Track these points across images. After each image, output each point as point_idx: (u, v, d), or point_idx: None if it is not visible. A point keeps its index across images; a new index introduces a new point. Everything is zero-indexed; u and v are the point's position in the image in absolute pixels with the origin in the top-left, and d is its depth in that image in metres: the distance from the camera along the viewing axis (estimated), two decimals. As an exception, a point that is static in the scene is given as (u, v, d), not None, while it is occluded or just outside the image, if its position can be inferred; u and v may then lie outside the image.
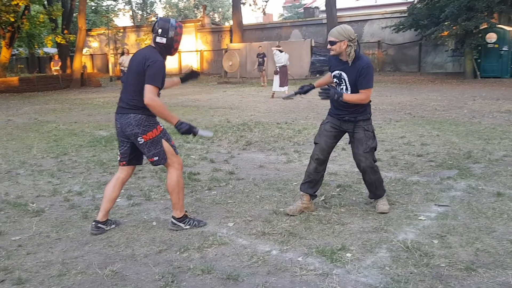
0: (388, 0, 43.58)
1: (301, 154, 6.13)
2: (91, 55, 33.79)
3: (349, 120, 3.84)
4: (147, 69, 3.36)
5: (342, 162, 5.66)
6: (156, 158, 3.53)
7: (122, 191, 4.68)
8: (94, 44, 34.42)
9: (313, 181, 3.94)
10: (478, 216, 3.69)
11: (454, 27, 17.93)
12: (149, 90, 3.34)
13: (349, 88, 3.79)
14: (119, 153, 3.67)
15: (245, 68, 24.11)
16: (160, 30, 3.45)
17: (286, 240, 3.33)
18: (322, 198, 4.23)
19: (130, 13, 52.63)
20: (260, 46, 20.52)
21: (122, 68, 17.33)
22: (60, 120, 10.47)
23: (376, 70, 23.27)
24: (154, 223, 3.80)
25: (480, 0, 17.32)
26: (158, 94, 3.43)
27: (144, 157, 3.70)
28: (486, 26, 18.21)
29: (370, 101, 3.89)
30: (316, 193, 4.00)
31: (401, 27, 20.35)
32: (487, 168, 5.16)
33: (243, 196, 4.41)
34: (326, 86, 3.81)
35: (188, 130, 3.45)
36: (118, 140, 3.68)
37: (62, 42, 24.48)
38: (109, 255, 3.23)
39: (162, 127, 3.56)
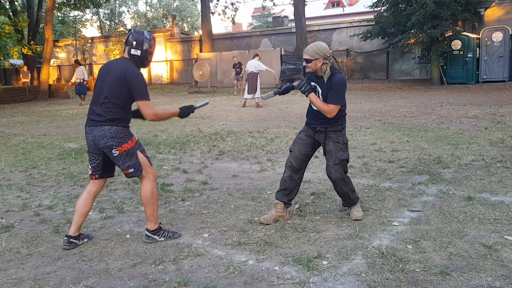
0: (356, 9, 44.56)
1: (274, 163, 6.14)
2: (59, 66, 33.13)
3: (319, 130, 3.88)
4: (131, 84, 3.34)
5: (315, 170, 5.70)
6: (131, 170, 3.47)
7: (94, 204, 4.59)
8: (62, 55, 33.79)
9: (287, 189, 3.94)
10: (450, 221, 3.77)
11: (420, 35, 18.44)
12: (146, 107, 3.40)
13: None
14: (90, 167, 3.58)
15: (216, 77, 24.12)
16: (134, 43, 3.44)
17: (262, 250, 3.31)
18: (297, 206, 4.23)
19: (98, 23, 51.94)
20: (235, 57, 20.61)
21: (78, 79, 17.08)
22: (28, 133, 10.19)
23: (346, 77, 23.67)
24: (128, 236, 3.72)
25: (445, 8, 17.89)
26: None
27: (117, 169, 3.63)
28: (451, 33, 18.81)
29: (345, 114, 3.94)
30: (291, 201, 4.00)
31: (368, 35, 20.78)
32: (457, 172, 5.28)
33: (217, 206, 4.38)
34: (305, 79, 3.86)
35: (190, 111, 3.73)
36: (89, 154, 3.59)
37: (28, 53, 23.92)
38: (82, 269, 3.14)
39: (136, 139, 3.53)
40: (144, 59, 3.50)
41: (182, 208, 4.40)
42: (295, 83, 4.07)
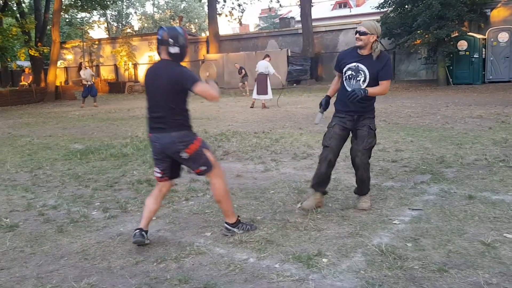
0: (363, 9, 44.46)
1: (278, 163, 6.17)
2: (66, 67, 33.39)
3: (357, 116, 4.01)
4: (183, 85, 3.36)
5: (318, 169, 5.72)
6: (203, 168, 3.53)
7: (98, 203, 4.68)
8: (69, 56, 34.04)
9: (323, 181, 4.13)
10: (450, 219, 3.78)
11: (426, 36, 18.39)
12: (201, 89, 3.36)
13: (367, 80, 3.94)
14: (159, 171, 3.60)
15: (223, 78, 24.19)
16: (171, 40, 3.40)
17: (263, 248, 3.35)
18: (299, 205, 4.27)
19: (105, 25, 52.28)
20: (236, 63, 20.86)
21: (84, 82, 17.22)
22: (34, 134, 10.30)
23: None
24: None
25: (451, 9, 17.83)
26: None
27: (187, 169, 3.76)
28: (457, 34, 18.74)
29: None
30: (327, 188, 4.22)
31: (375, 36, 20.73)
32: (459, 172, 5.29)
33: (220, 206, 4.42)
34: (350, 90, 3.91)
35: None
36: (154, 160, 3.62)
37: (35, 55, 24.13)
38: (85, 268, 3.19)
39: (200, 138, 3.59)
40: (183, 55, 3.48)
41: (185, 207, 4.45)
42: (329, 93, 4.26)
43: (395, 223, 3.74)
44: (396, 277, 2.82)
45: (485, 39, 19.08)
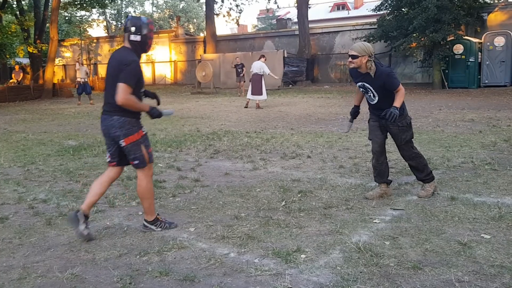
0: (361, 12, 44.61)
1: (267, 162, 6.25)
2: (64, 65, 33.41)
3: (383, 118, 4.25)
4: (121, 70, 3.43)
5: (306, 169, 5.80)
6: (136, 162, 3.61)
7: (86, 198, 4.74)
8: (67, 54, 34.08)
9: (380, 172, 4.49)
10: (430, 219, 3.86)
11: (422, 39, 18.46)
12: (121, 89, 3.39)
13: (376, 95, 4.32)
14: (108, 154, 3.72)
15: (219, 78, 24.27)
16: (133, 28, 3.53)
17: (244, 243, 3.43)
18: (283, 203, 4.35)
19: (104, 23, 52.31)
20: (237, 57, 20.66)
21: (79, 79, 17.21)
22: (29, 130, 10.36)
23: (348, 81, 23.74)
24: (116, 229, 3.85)
25: (447, 12, 17.92)
26: (139, 93, 3.59)
27: None
28: (453, 37, 18.82)
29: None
30: (388, 178, 4.54)
31: (371, 38, 20.81)
32: (445, 174, 5.37)
33: (206, 202, 4.50)
34: (383, 113, 4.16)
35: (158, 114, 3.70)
36: (105, 141, 3.73)
37: (34, 52, 24.17)
38: (70, 259, 3.27)
39: (144, 132, 3.66)
40: (145, 44, 3.59)
41: (172, 203, 4.52)
42: (356, 103, 4.70)
43: (375, 222, 3.82)
44: (371, 273, 2.90)
45: (481, 43, 19.17)
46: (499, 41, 18.88)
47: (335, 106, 14.14)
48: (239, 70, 19.30)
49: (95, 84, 24.76)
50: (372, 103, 4.43)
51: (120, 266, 3.13)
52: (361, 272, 2.91)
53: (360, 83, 4.36)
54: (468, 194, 4.55)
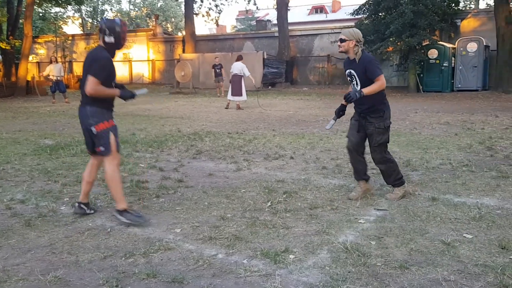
0: (339, 15, 45.11)
1: (250, 163, 6.24)
2: (38, 62, 32.68)
3: (362, 116, 4.41)
4: (92, 64, 3.80)
5: (289, 170, 5.82)
6: (102, 149, 3.90)
7: (67, 199, 4.66)
8: (41, 51, 33.34)
9: (357, 170, 4.55)
10: (413, 219, 3.92)
11: (398, 43, 18.82)
12: (90, 81, 3.74)
13: (359, 83, 4.34)
14: (86, 145, 4.09)
15: (198, 78, 24.13)
16: (107, 30, 3.83)
17: (232, 244, 3.41)
18: (269, 204, 4.34)
19: (80, 21, 51.38)
20: (217, 57, 20.55)
21: (52, 77, 16.81)
22: (3, 129, 10.07)
23: (326, 83, 23.98)
24: (99, 230, 3.77)
25: (423, 18, 18.32)
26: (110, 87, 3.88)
27: None
28: (428, 42, 19.23)
29: (385, 101, 4.43)
30: (366, 175, 4.58)
31: (349, 42, 21.05)
32: (424, 175, 5.47)
33: (191, 203, 4.46)
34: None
35: (131, 95, 4.03)
36: (83, 133, 4.05)
37: (7, 48, 23.53)
38: (52, 261, 3.18)
39: (114, 123, 3.96)
40: (118, 44, 3.89)
41: (156, 204, 4.46)
42: (344, 105, 4.58)
43: (360, 222, 3.85)
44: (359, 273, 2.92)
45: (455, 48, 19.63)
46: (472, 46, 19.37)
47: (315, 108, 14.24)
48: (217, 70, 19.20)
49: (70, 82, 24.27)
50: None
51: (105, 268, 3.06)
52: (349, 272, 2.93)
53: (348, 71, 4.43)
54: (448, 194, 4.64)
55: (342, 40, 4.30)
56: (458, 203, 4.35)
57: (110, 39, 3.83)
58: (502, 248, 3.27)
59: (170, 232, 3.70)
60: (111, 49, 3.90)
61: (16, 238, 3.62)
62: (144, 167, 6.04)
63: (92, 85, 3.73)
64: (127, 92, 4.02)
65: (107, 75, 3.83)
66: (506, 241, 3.37)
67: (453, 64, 19.54)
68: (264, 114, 12.52)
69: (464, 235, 3.55)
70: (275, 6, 27.66)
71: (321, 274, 2.91)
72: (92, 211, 4.15)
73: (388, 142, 4.50)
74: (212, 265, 3.08)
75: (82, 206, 4.12)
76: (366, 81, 4.27)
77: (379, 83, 4.23)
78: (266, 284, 2.79)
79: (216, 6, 31.45)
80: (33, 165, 6.23)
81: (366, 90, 4.19)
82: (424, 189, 4.83)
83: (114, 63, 3.99)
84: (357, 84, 4.36)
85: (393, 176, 4.49)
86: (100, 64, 3.79)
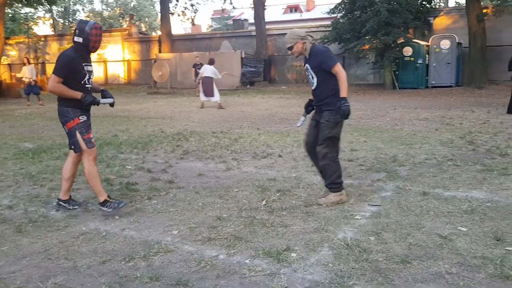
0: (313, 14, 45.40)
1: (239, 162, 6.22)
2: (9, 64, 31.80)
3: (318, 109, 4.35)
4: (55, 68, 3.96)
5: (279, 168, 5.83)
6: (72, 147, 4.10)
7: (56, 203, 4.52)
8: (13, 52, 32.48)
9: (321, 171, 4.43)
10: (408, 214, 3.98)
11: (374, 41, 19.04)
12: (51, 79, 3.92)
13: (314, 76, 4.27)
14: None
15: (176, 78, 23.92)
16: (77, 31, 3.97)
17: (232, 244, 3.39)
18: (264, 202, 4.34)
19: (51, 21, 50.21)
20: (197, 57, 20.37)
21: (25, 79, 16.42)
22: (-22, 133, 9.76)
23: (304, 81, 24.07)
24: (94, 234, 3.70)
25: (397, 16, 18.62)
26: (77, 85, 3.99)
27: None
28: (403, 40, 19.54)
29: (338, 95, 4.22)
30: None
31: (325, 40, 21.20)
32: (412, 170, 5.55)
33: (185, 204, 4.41)
34: (337, 105, 4.16)
35: (92, 101, 4.04)
36: None
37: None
38: (49, 268, 3.10)
39: (80, 120, 4.06)
40: (87, 45, 3.97)
41: (149, 206, 4.40)
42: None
43: (357, 218, 3.89)
44: (363, 269, 2.95)
45: (429, 45, 20.00)
46: (445, 44, 19.76)
47: (295, 106, 14.30)
48: (198, 70, 19.06)
49: (43, 84, 23.70)
50: (313, 88, 4.32)
51: (105, 273, 3.00)
52: (353, 268, 2.95)
53: (305, 67, 4.38)
54: (437, 189, 4.72)
55: (290, 48, 4.25)
56: (449, 197, 4.43)
57: (78, 38, 3.95)
58: (497, 240, 3.34)
59: (167, 234, 3.66)
60: (80, 49, 3.99)
61: (9, 244, 3.51)
62: (132, 169, 5.96)
63: (51, 82, 3.89)
64: (89, 97, 4.03)
65: (68, 73, 3.92)
66: (500, 233, 3.45)
67: (427, 61, 19.90)
68: (246, 113, 12.50)
69: (459, 228, 3.62)
70: (252, 5, 27.65)
71: (325, 271, 2.92)
72: (76, 207, 4.25)
73: (338, 140, 4.32)
74: (215, 266, 3.06)
75: (61, 203, 4.26)
76: (324, 74, 4.18)
77: (343, 77, 4.10)
78: (273, 283, 2.79)
79: (192, 5, 31.24)
80: (15, 169, 6.06)
81: (344, 94, 4.11)
82: (414, 184, 4.90)
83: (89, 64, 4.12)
84: (313, 77, 4.27)
85: (332, 178, 4.26)
86: (60, 62, 3.93)
